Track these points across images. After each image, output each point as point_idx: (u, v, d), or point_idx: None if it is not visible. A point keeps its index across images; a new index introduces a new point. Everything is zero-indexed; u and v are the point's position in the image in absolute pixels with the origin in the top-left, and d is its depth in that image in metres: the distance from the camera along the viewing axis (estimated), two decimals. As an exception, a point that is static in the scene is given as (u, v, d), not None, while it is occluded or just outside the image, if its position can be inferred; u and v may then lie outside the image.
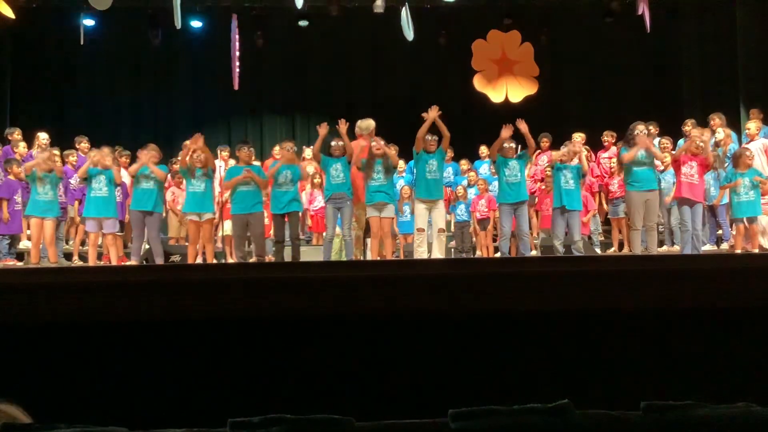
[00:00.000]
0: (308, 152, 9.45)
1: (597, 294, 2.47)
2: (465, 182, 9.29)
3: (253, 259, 7.37)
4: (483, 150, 9.87)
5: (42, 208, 7.04)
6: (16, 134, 8.13)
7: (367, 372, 2.29)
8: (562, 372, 2.26)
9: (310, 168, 8.87)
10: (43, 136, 8.23)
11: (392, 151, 7.21)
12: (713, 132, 8.01)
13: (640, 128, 7.00)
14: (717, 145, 7.84)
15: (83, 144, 8.65)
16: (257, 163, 8.08)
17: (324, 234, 7.45)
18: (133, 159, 8.27)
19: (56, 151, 7.94)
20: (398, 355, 2.33)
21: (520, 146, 7.56)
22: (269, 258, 7.56)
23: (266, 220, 7.57)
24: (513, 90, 10.15)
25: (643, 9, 9.68)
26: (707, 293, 2.46)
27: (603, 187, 8.73)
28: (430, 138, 7.06)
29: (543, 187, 8.71)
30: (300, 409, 1.26)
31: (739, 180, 7.07)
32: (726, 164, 7.49)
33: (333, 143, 7.16)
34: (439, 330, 2.40)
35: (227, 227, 8.41)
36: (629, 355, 2.30)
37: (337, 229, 7.27)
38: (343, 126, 6.99)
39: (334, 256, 7.45)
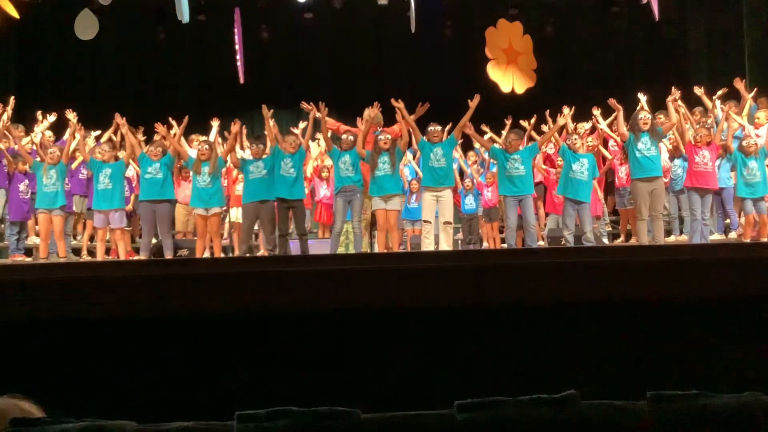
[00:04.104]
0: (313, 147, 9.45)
1: (604, 285, 2.47)
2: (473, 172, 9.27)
3: (261, 252, 7.38)
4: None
5: (49, 200, 7.09)
6: (19, 131, 8.17)
7: (373, 364, 2.30)
8: (568, 363, 2.27)
9: (314, 152, 8.90)
10: (47, 133, 8.28)
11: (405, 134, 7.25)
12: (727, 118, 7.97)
13: (642, 114, 7.03)
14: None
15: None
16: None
17: (332, 227, 7.46)
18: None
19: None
20: (404, 347, 2.33)
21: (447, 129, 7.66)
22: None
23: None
24: (517, 81, 10.13)
25: (650, -4, 9.60)
26: (715, 283, 2.45)
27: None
28: (433, 129, 7.06)
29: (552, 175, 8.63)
30: (307, 401, 1.26)
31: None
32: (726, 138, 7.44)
33: (343, 137, 7.18)
34: (445, 322, 2.40)
35: (233, 215, 8.43)
36: (634, 346, 2.30)
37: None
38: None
39: (341, 249, 7.47)
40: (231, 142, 7.26)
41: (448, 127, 7.99)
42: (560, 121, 7.73)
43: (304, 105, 7.26)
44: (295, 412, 1.18)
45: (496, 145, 7.70)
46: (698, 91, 8.07)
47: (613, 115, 7.48)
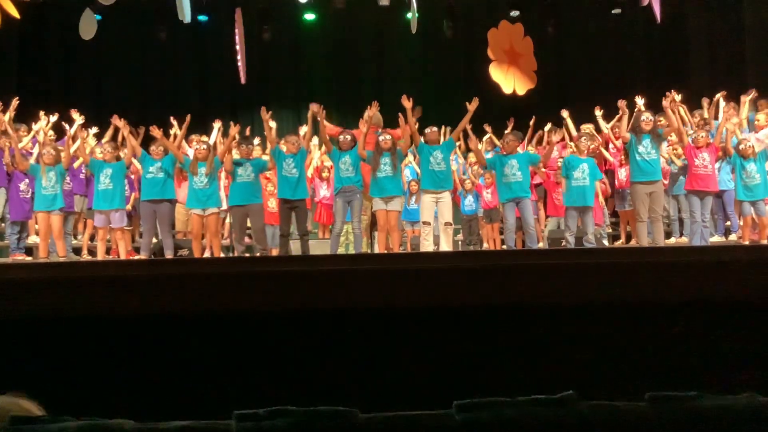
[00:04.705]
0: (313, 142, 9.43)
1: (604, 286, 2.47)
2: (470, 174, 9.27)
3: (256, 253, 7.39)
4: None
5: (47, 203, 7.08)
6: (22, 131, 8.17)
7: (373, 364, 2.30)
8: (568, 363, 2.27)
9: (316, 153, 8.87)
10: (49, 132, 8.28)
11: (405, 135, 7.25)
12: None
13: (645, 116, 7.05)
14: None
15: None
16: (266, 157, 8.09)
17: (332, 227, 7.46)
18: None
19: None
20: (404, 347, 2.33)
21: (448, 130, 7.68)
22: (273, 251, 7.58)
23: (274, 208, 7.69)
24: (518, 82, 10.14)
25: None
26: (714, 285, 2.45)
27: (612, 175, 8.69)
28: (430, 131, 7.07)
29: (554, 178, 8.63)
30: (306, 401, 1.26)
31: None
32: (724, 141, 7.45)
33: (341, 137, 7.17)
34: (445, 322, 2.40)
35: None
36: (634, 346, 2.30)
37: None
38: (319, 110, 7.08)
39: (341, 249, 7.47)
40: (228, 143, 7.25)
41: (447, 129, 7.99)
42: (555, 138, 7.76)
43: (314, 107, 7.23)
44: (294, 412, 1.18)
45: (492, 154, 7.73)
46: (705, 103, 8.15)
47: (618, 116, 7.48)
